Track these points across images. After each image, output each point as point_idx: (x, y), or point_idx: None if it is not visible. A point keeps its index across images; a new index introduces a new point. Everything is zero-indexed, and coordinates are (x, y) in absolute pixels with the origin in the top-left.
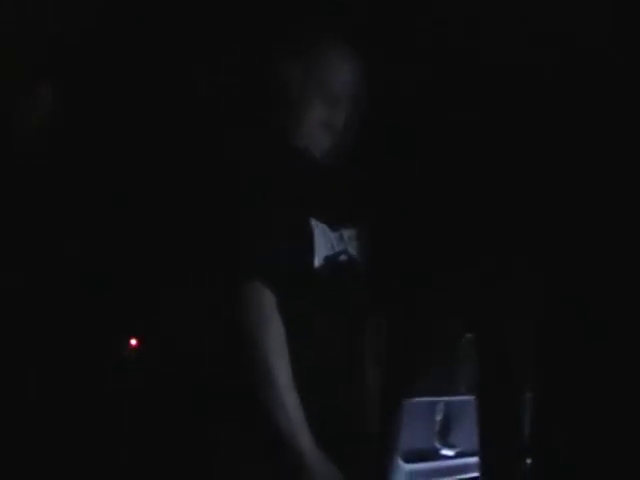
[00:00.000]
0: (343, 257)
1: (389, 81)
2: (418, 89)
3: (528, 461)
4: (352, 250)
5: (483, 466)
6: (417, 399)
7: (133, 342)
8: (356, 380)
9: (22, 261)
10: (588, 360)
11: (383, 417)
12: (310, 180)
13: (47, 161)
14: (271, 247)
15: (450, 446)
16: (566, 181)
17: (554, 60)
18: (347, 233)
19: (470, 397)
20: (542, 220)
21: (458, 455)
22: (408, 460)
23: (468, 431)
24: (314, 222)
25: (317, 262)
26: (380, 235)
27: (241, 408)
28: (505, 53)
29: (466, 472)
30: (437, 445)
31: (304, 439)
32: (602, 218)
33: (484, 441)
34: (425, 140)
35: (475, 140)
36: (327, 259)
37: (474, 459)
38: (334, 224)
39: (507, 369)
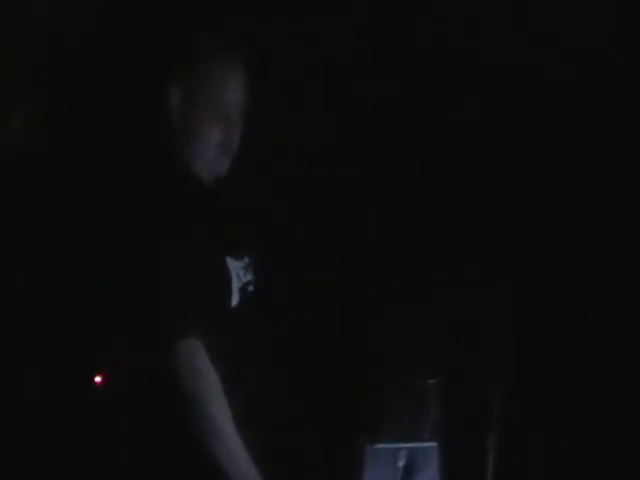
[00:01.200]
0: (250, 287)
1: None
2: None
3: None
4: (252, 277)
5: None
6: (380, 445)
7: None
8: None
9: None
10: (551, 409)
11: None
12: (215, 215)
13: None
14: (195, 299)
15: None
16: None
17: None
18: (247, 262)
19: (433, 443)
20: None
21: None
22: None
23: (430, 478)
24: (229, 260)
25: (235, 300)
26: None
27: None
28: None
29: None
30: None
31: None
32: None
33: None
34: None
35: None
36: (239, 291)
37: None
38: (237, 254)
39: (470, 415)
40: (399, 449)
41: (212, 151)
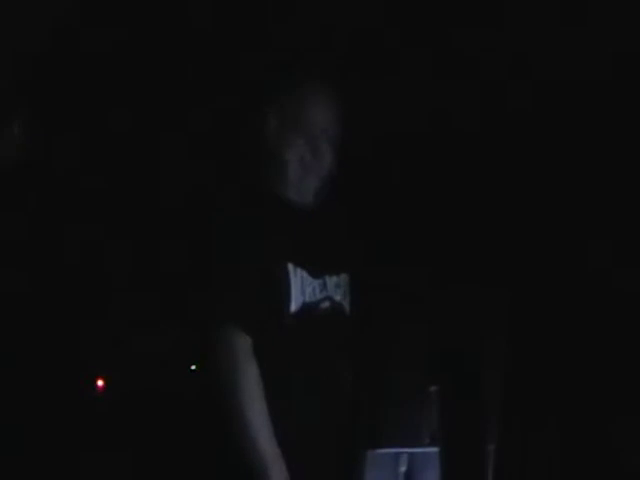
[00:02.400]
0: (325, 304)
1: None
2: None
3: None
4: (337, 297)
5: None
6: (381, 450)
7: (100, 383)
8: (338, 421)
9: None
10: (550, 413)
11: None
12: (291, 228)
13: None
14: (244, 294)
15: None
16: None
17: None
18: (333, 280)
19: (434, 449)
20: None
21: None
22: None
23: None
24: (292, 269)
25: (293, 307)
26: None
27: (212, 446)
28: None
29: None
30: None
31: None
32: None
33: None
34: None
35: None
36: (306, 305)
37: None
38: (317, 272)
39: (471, 422)
40: (400, 454)
41: (298, 169)
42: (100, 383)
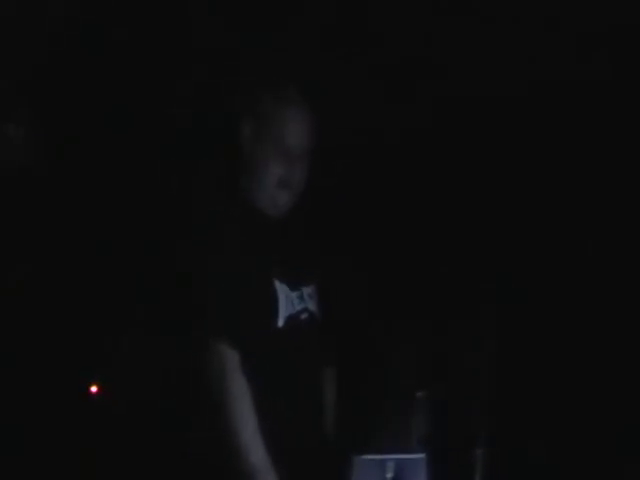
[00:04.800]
0: (304, 315)
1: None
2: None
3: None
4: (312, 307)
5: None
6: (368, 456)
7: (94, 389)
8: (321, 429)
9: None
10: (539, 415)
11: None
12: (270, 242)
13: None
14: (236, 309)
15: None
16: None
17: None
18: (307, 291)
19: (421, 455)
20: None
21: None
22: None
23: None
24: (277, 284)
25: (280, 322)
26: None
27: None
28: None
29: None
30: None
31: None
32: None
33: None
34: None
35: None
36: (289, 318)
37: None
38: (294, 283)
39: (458, 427)
40: (387, 460)
41: (273, 184)
42: (94, 389)
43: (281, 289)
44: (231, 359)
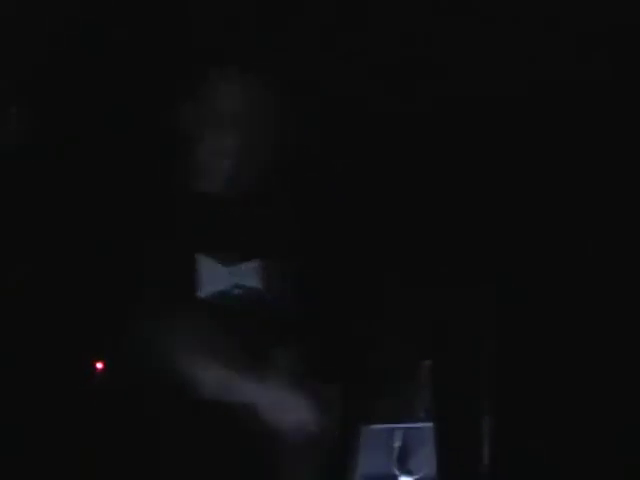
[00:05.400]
0: (237, 291)
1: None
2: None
3: None
4: (252, 283)
5: None
6: (375, 426)
7: (99, 366)
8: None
9: None
10: (548, 383)
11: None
12: (200, 218)
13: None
14: (151, 282)
15: (409, 473)
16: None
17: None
18: (247, 266)
19: (429, 424)
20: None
21: None
22: None
23: (427, 458)
24: (201, 257)
25: (203, 294)
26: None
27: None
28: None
29: None
30: (396, 472)
31: None
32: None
33: (442, 468)
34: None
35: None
36: (216, 293)
37: None
38: (228, 259)
39: (465, 395)
40: (395, 430)
41: (210, 159)
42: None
43: (206, 263)
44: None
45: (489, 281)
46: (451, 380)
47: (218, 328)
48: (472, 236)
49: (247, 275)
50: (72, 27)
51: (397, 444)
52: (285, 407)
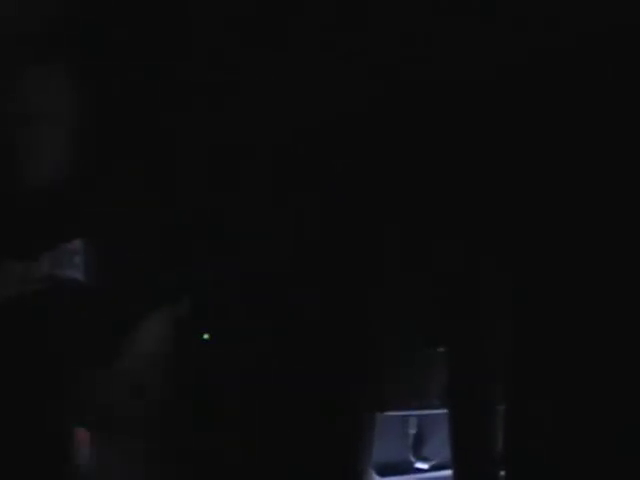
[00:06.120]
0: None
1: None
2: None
3: (502, 473)
4: (64, 273)
5: (457, 478)
6: (390, 412)
7: None
8: None
9: None
10: (562, 370)
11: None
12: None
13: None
14: None
15: (424, 459)
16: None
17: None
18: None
19: (443, 410)
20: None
21: (432, 468)
22: (382, 474)
23: (442, 444)
24: None
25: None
26: None
27: None
28: None
29: None
30: (411, 458)
31: None
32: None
33: (457, 453)
34: None
35: None
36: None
37: (448, 472)
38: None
39: (479, 381)
40: (409, 416)
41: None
42: None
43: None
44: None
45: (505, 269)
46: (465, 366)
47: None
48: (482, 223)
49: (62, 265)
50: None
51: (412, 431)
52: None
